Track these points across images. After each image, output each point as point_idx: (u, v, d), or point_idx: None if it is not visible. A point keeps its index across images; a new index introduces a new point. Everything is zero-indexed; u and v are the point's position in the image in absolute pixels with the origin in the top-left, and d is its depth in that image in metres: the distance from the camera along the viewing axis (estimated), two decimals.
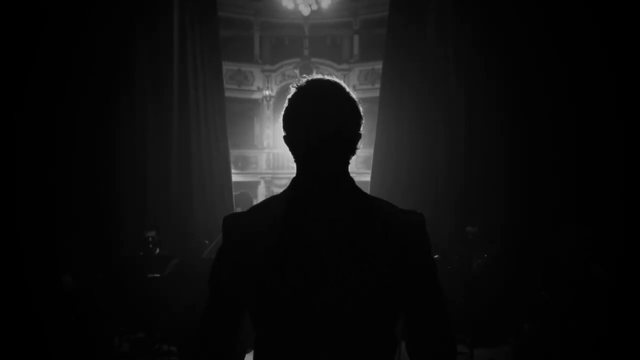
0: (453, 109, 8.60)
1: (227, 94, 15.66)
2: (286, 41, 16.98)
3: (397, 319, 1.41)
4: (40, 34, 6.88)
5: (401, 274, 1.36)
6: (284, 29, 16.61)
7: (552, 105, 7.36)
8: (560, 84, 7.24)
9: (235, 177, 15.93)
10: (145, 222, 7.87)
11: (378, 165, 9.43)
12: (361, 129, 1.43)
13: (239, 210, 7.29)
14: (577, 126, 7.05)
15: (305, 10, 13.36)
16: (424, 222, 1.44)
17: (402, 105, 9.14)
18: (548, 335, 4.97)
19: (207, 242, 7.23)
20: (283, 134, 1.43)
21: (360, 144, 1.44)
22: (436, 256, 5.69)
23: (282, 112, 1.42)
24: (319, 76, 1.44)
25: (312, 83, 1.41)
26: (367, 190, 1.50)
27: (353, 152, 1.43)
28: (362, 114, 1.43)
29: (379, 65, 15.42)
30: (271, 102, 16.59)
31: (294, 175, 1.43)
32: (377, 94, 14.36)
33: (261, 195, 16.27)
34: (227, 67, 15.97)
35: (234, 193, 10.62)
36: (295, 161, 1.43)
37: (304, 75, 1.48)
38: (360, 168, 14.49)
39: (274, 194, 1.54)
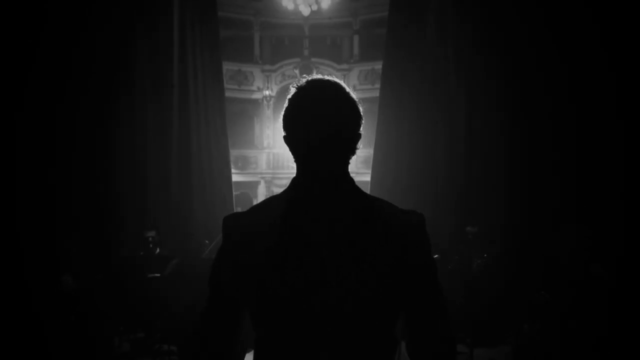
0: (453, 109, 8.60)
1: (227, 94, 15.66)
2: (286, 41, 16.97)
3: (397, 319, 1.41)
4: (40, 34, 6.88)
5: (401, 274, 1.36)
6: (284, 29, 16.61)
7: (552, 105, 7.36)
8: (560, 84, 7.24)
9: (235, 177, 15.92)
10: (145, 222, 7.87)
11: (378, 165, 9.42)
12: (361, 129, 1.43)
13: (239, 210, 7.30)
14: (577, 126, 7.05)
15: (305, 11, 13.36)
16: (424, 222, 1.44)
17: (402, 105, 9.14)
18: (548, 335, 4.97)
19: (207, 242, 7.23)
20: (283, 134, 1.43)
21: (360, 144, 1.44)
22: (436, 256, 5.70)
23: (282, 112, 1.42)
24: (319, 76, 1.44)
25: (312, 83, 1.41)
26: (367, 190, 1.50)
27: (353, 152, 1.43)
28: (362, 114, 1.43)
29: (379, 65, 15.42)
30: (271, 102, 16.59)
31: (294, 175, 1.44)
32: (377, 94, 14.36)
33: (261, 195, 16.27)
34: (227, 67, 15.97)
35: (234, 193, 10.62)
36: (295, 161, 1.43)
37: (304, 75, 1.48)
38: (360, 168, 14.48)
39: (274, 194, 1.54)
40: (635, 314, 4.57)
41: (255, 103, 16.80)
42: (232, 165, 15.87)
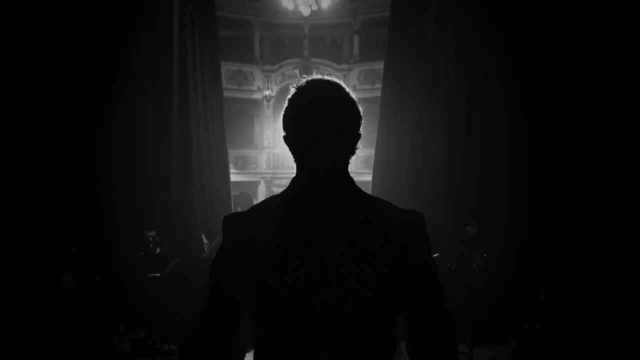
0: (453, 109, 8.61)
1: (227, 94, 15.72)
2: (286, 41, 16.97)
3: (397, 319, 1.41)
4: (40, 34, 6.88)
5: (401, 274, 1.36)
6: (284, 29, 16.61)
7: (552, 105, 7.36)
8: (560, 84, 7.24)
9: (235, 177, 15.97)
10: (145, 222, 7.87)
11: (379, 165, 9.43)
12: (361, 129, 1.43)
13: (239, 210, 7.30)
14: (577, 126, 7.05)
15: (305, 11, 13.36)
16: (424, 222, 1.44)
17: (403, 105, 9.14)
18: (548, 335, 4.98)
19: (207, 242, 7.24)
20: (283, 134, 1.43)
21: (360, 144, 1.44)
22: (436, 255, 5.70)
23: (282, 112, 1.42)
24: (319, 76, 1.44)
25: (312, 83, 1.41)
26: (368, 189, 1.50)
27: (353, 152, 1.43)
28: (361, 114, 1.43)
29: (378, 66, 15.45)
30: (271, 102, 16.59)
31: (294, 175, 1.44)
32: (377, 94, 14.38)
33: (261, 195, 16.27)
34: (228, 67, 15.98)
35: (234, 193, 10.62)
36: (295, 161, 1.43)
37: (304, 75, 1.48)
38: (360, 168, 14.49)
39: (274, 193, 1.54)
40: (635, 314, 4.57)
41: (255, 103, 16.80)
42: (232, 165, 15.92)
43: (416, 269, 1.40)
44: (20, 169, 6.53)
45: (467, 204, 8.15)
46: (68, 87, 7.29)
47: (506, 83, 7.90)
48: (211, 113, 9.89)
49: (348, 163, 1.43)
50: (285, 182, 1.49)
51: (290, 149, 1.42)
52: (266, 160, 16.81)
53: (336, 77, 1.46)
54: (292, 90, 1.42)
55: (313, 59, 16.35)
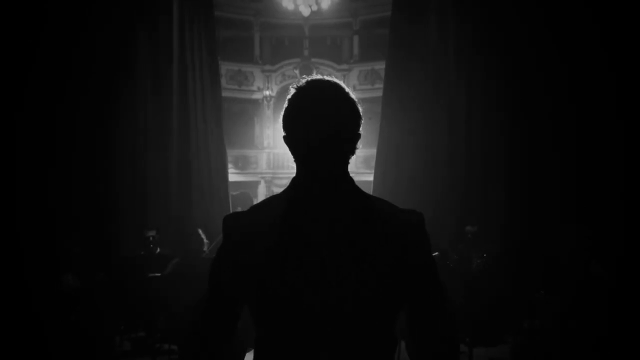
0: (453, 109, 8.61)
1: (228, 94, 15.73)
2: (286, 42, 16.97)
3: (397, 319, 1.41)
4: (40, 34, 6.88)
5: (401, 274, 1.36)
6: (284, 29, 16.60)
7: (552, 105, 7.36)
8: (560, 84, 7.25)
9: (235, 177, 15.97)
10: (145, 222, 7.87)
11: (380, 165, 9.43)
12: (361, 129, 1.43)
13: (239, 210, 7.29)
14: (577, 126, 7.05)
15: (305, 11, 13.35)
16: (424, 222, 1.44)
17: (404, 105, 9.15)
18: (548, 335, 4.98)
19: (207, 241, 7.23)
20: (283, 134, 1.43)
21: (359, 144, 1.44)
22: (435, 254, 5.70)
23: (282, 113, 1.43)
24: (319, 77, 1.44)
25: (311, 84, 1.41)
26: (368, 189, 1.50)
27: (353, 152, 1.43)
28: (361, 114, 1.43)
29: (378, 66, 15.46)
30: (271, 102, 16.59)
31: (294, 175, 1.44)
32: (377, 94, 14.39)
33: (261, 195, 16.27)
34: (228, 67, 15.98)
35: (234, 193, 10.62)
36: (295, 161, 1.43)
37: (304, 75, 1.48)
38: (360, 168, 14.48)
39: (274, 193, 1.54)
40: (635, 314, 4.57)
41: (256, 103, 16.80)
42: (232, 165, 15.94)
43: (416, 268, 1.40)
44: (20, 169, 6.53)
45: (467, 204, 8.15)
46: (68, 87, 7.30)
47: (506, 83, 7.90)
48: (210, 113, 9.89)
49: (348, 163, 1.43)
50: (285, 182, 1.49)
51: (290, 149, 1.43)
52: (266, 160, 16.81)
53: (336, 77, 1.46)
54: (292, 91, 1.42)
55: (313, 59, 16.35)
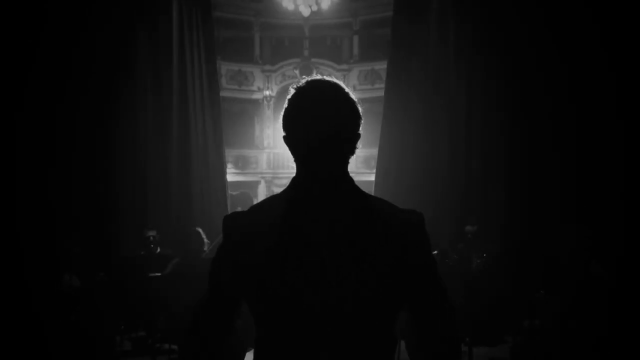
0: (454, 109, 8.62)
1: (228, 94, 15.73)
2: (286, 42, 16.97)
3: (396, 319, 1.41)
4: (40, 34, 6.88)
5: (401, 274, 1.36)
6: (284, 29, 16.60)
7: (552, 105, 7.36)
8: (560, 84, 7.25)
9: (235, 177, 15.97)
10: (145, 222, 7.87)
11: (382, 165, 9.44)
12: (360, 129, 1.43)
13: (239, 209, 7.28)
14: (577, 126, 7.05)
15: (305, 11, 13.35)
16: (424, 221, 1.44)
17: (405, 105, 9.17)
18: (548, 335, 4.98)
19: (207, 241, 7.23)
20: (283, 134, 1.43)
21: (359, 144, 1.44)
22: (435, 252, 5.69)
23: (282, 113, 1.43)
24: (319, 77, 1.44)
25: (311, 84, 1.41)
26: (368, 189, 1.50)
27: (352, 152, 1.43)
28: (361, 114, 1.43)
29: (378, 66, 15.47)
30: (271, 102, 16.59)
31: (294, 175, 1.44)
32: (376, 94, 14.39)
33: (261, 195, 16.27)
34: (228, 67, 15.99)
35: (234, 193, 10.62)
36: (295, 161, 1.43)
37: (304, 76, 1.48)
38: (360, 168, 14.49)
39: (274, 193, 1.54)
40: (635, 314, 4.57)
41: (256, 103, 16.81)
42: (232, 165, 15.94)
43: (416, 268, 1.40)
44: (20, 169, 6.53)
45: (467, 204, 8.16)
46: (68, 87, 7.30)
47: (506, 83, 7.91)
48: (210, 113, 9.90)
49: (348, 163, 1.43)
50: (285, 182, 1.49)
51: (290, 149, 1.43)
52: (266, 160, 16.82)
53: (336, 77, 1.46)
54: (292, 91, 1.42)
55: (313, 59, 16.35)
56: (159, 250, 6.80)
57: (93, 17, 7.63)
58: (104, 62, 7.90)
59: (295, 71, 16.32)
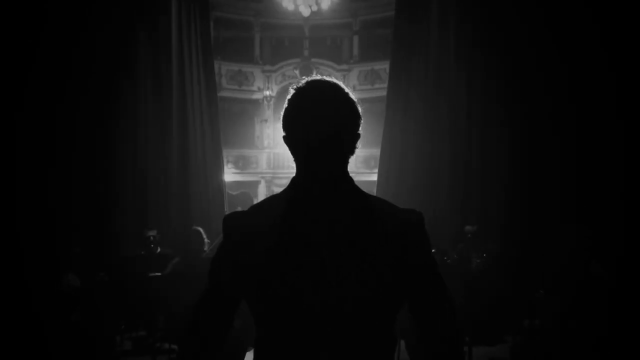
0: (454, 109, 8.62)
1: (228, 94, 15.73)
2: (286, 42, 16.97)
3: (396, 319, 1.41)
4: (40, 34, 6.88)
5: (401, 274, 1.36)
6: (284, 29, 16.61)
7: (552, 105, 7.36)
8: (560, 84, 7.25)
9: (235, 177, 15.97)
10: (145, 222, 7.88)
11: (384, 165, 9.45)
12: (360, 129, 1.43)
13: (239, 209, 7.28)
14: (577, 126, 7.05)
15: (305, 11, 13.35)
16: (423, 221, 1.44)
17: (408, 105, 9.18)
18: (547, 335, 4.98)
19: (208, 241, 7.24)
20: (283, 134, 1.43)
21: (359, 144, 1.44)
22: (433, 250, 5.69)
23: (282, 113, 1.43)
24: (318, 77, 1.44)
25: (311, 84, 1.41)
26: (367, 189, 1.50)
27: (352, 152, 1.43)
28: (361, 114, 1.43)
29: (378, 66, 15.47)
30: (271, 102, 16.60)
31: (294, 174, 1.44)
32: (376, 94, 14.40)
33: (261, 195, 16.27)
34: (228, 67, 15.99)
35: (234, 193, 10.62)
36: (295, 161, 1.43)
37: (304, 76, 1.48)
38: (360, 168, 14.49)
39: (274, 193, 1.54)
40: (635, 314, 4.57)
41: (256, 103, 16.81)
42: (232, 165, 15.94)
43: (416, 268, 1.40)
44: (20, 169, 6.53)
45: (467, 204, 8.16)
46: (68, 87, 7.30)
47: (506, 83, 7.91)
48: (208, 113, 9.91)
49: (347, 163, 1.43)
50: (285, 182, 1.49)
51: (290, 149, 1.43)
52: (266, 160, 16.83)
53: (336, 77, 1.46)
54: (292, 91, 1.42)
55: (313, 60, 16.36)
56: (159, 250, 6.80)
57: (93, 17, 7.63)
58: (104, 62, 7.90)
59: (295, 71, 16.32)
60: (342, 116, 1.40)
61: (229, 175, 15.27)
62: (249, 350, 4.95)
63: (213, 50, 10.41)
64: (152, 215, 8.48)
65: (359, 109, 1.43)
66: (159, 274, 6.03)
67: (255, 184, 16.82)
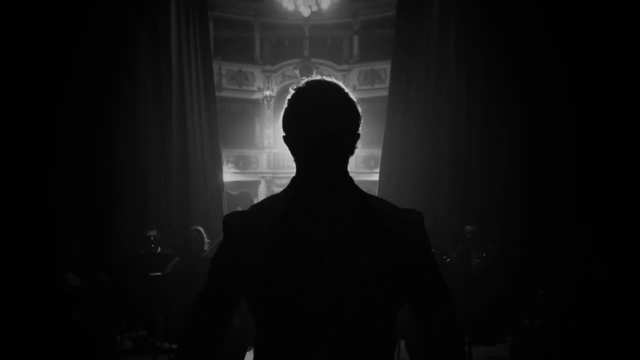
0: (454, 109, 8.63)
1: (228, 94, 15.74)
2: (286, 42, 16.98)
3: (396, 318, 1.41)
4: (40, 34, 6.88)
5: (401, 274, 1.36)
6: (284, 29, 16.62)
7: (552, 105, 7.36)
8: (560, 84, 7.25)
9: (235, 177, 15.98)
10: (146, 222, 7.88)
11: (385, 166, 9.46)
12: (360, 129, 1.43)
13: (239, 209, 7.28)
14: (577, 126, 7.05)
15: (305, 11, 13.35)
16: (423, 221, 1.44)
17: (407, 105, 9.19)
18: (547, 334, 4.98)
19: (208, 241, 7.24)
20: (283, 134, 1.43)
21: (359, 144, 1.44)
22: (433, 249, 5.68)
23: (282, 113, 1.43)
24: (318, 77, 1.44)
25: (311, 84, 1.42)
26: (367, 189, 1.50)
27: (352, 152, 1.43)
28: (360, 114, 1.43)
29: (378, 66, 15.48)
30: (271, 102, 16.61)
31: (294, 174, 1.44)
32: (376, 94, 14.40)
33: (261, 195, 16.28)
34: (228, 67, 16.00)
35: (234, 193, 10.62)
36: (295, 161, 1.43)
37: (304, 77, 1.48)
38: (360, 168, 14.49)
39: (274, 193, 1.54)
40: (635, 314, 4.57)
41: (256, 103, 16.82)
42: (232, 165, 15.95)
43: (416, 268, 1.40)
44: (20, 169, 6.53)
45: (467, 204, 8.17)
46: (68, 87, 7.30)
47: (506, 83, 7.92)
48: (206, 113, 9.91)
49: (347, 163, 1.43)
50: (285, 182, 1.49)
51: (290, 150, 1.43)
52: (266, 160, 16.84)
53: (336, 77, 1.47)
54: (292, 92, 1.42)
55: (313, 60, 16.37)
56: (159, 250, 6.80)
57: (93, 17, 7.63)
58: (104, 62, 7.90)
59: (295, 71, 16.33)
60: (342, 116, 1.40)
61: (229, 175, 15.28)
62: (249, 350, 4.95)
63: (213, 50, 10.43)
64: (152, 215, 8.48)
65: (359, 109, 1.43)
66: (159, 274, 6.04)
67: (256, 184, 16.82)
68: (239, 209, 8.99)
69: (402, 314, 1.42)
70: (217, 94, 10.79)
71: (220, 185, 9.99)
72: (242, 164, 16.51)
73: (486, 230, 7.22)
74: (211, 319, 1.49)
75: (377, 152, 10.01)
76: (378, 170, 10.13)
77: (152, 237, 6.76)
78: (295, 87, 1.43)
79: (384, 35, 15.28)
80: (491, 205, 7.99)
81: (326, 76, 1.46)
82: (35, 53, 6.84)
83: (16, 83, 6.54)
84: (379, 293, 1.33)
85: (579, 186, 6.92)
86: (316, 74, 1.55)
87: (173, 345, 5.65)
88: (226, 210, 9.58)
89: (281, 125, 1.43)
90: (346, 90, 1.42)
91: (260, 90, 16.72)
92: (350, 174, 1.45)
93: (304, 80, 1.43)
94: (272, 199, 1.48)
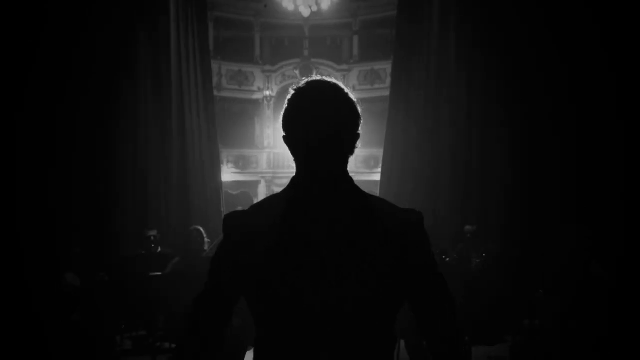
0: (455, 109, 8.63)
1: (228, 94, 15.74)
2: (286, 42, 16.98)
3: (396, 318, 1.41)
4: (40, 34, 6.88)
5: (401, 274, 1.36)
6: (284, 30, 16.62)
7: (552, 105, 7.37)
8: (560, 84, 7.25)
9: (235, 177, 15.98)
10: (145, 222, 7.87)
11: (387, 165, 9.46)
12: (360, 129, 1.43)
13: (239, 209, 7.28)
14: (577, 126, 7.05)
15: (305, 12, 13.35)
16: (423, 221, 1.44)
17: (408, 105, 9.19)
18: (547, 334, 4.98)
19: (208, 241, 7.25)
20: (283, 134, 1.43)
21: (359, 144, 1.44)
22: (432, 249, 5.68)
23: (282, 113, 1.43)
24: (318, 77, 1.44)
25: (311, 84, 1.42)
26: (367, 189, 1.50)
27: (352, 152, 1.43)
28: (360, 114, 1.43)
29: (378, 66, 15.48)
30: (272, 102, 16.61)
31: (294, 174, 1.44)
32: (376, 94, 14.40)
33: (261, 195, 16.28)
34: (228, 67, 16.00)
35: (234, 192, 10.62)
36: (295, 161, 1.43)
37: (304, 77, 1.48)
38: (360, 168, 14.49)
39: (274, 193, 1.55)
40: (635, 314, 4.57)
41: (256, 103, 16.82)
42: (232, 165, 15.95)
43: (416, 268, 1.40)
44: (20, 169, 6.53)
45: (468, 204, 8.17)
46: (68, 87, 7.30)
47: (506, 83, 7.92)
48: (204, 112, 9.91)
49: (347, 163, 1.44)
50: (285, 182, 1.49)
51: (290, 150, 1.43)
52: (266, 160, 16.84)
53: (336, 77, 1.47)
54: (292, 92, 1.42)
55: (313, 60, 16.37)
56: (159, 250, 6.80)
57: (93, 17, 7.63)
58: (104, 62, 7.90)
59: (295, 71, 16.33)
60: (342, 116, 1.40)
61: (229, 175, 15.28)
62: (249, 350, 4.95)
63: (213, 50, 10.44)
64: (152, 215, 8.48)
65: (359, 109, 1.43)
66: (159, 274, 6.04)
67: (256, 183, 16.82)
68: (239, 208, 8.99)
69: (402, 314, 1.42)
70: (217, 94, 10.80)
71: (219, 185, 9.99)
72: (242, 164, 16.51)
73: (486, 230, 7.23)
74: (211, 318, 1.49)
75: (377, 152, 10.01)
76: (378, 170, 10.14)
77: (152, 237, 6.77)
78: (295, 87, 1.43)
79: (384, 35, 15.28)
80: (491, 205, 7.99)
81: (326, 76, 1.46)
82: (35, 53, 6.84)
83: (16, 83, 6.54)
84: (379, 293, 1.33)
85: (579, 186, 6.92)
86: (316, 74, 1.55)
87: (173, 345, 5.65)
88: (225, 210, 9.59)
89: (281, 125, 1.43)
90: (346, 90, 1.42)
91: (260, 90, 16.72)
92: (350, 174, 1.45)
93: (304, 80, 1.43)
94: (272, 199, 1.48)
